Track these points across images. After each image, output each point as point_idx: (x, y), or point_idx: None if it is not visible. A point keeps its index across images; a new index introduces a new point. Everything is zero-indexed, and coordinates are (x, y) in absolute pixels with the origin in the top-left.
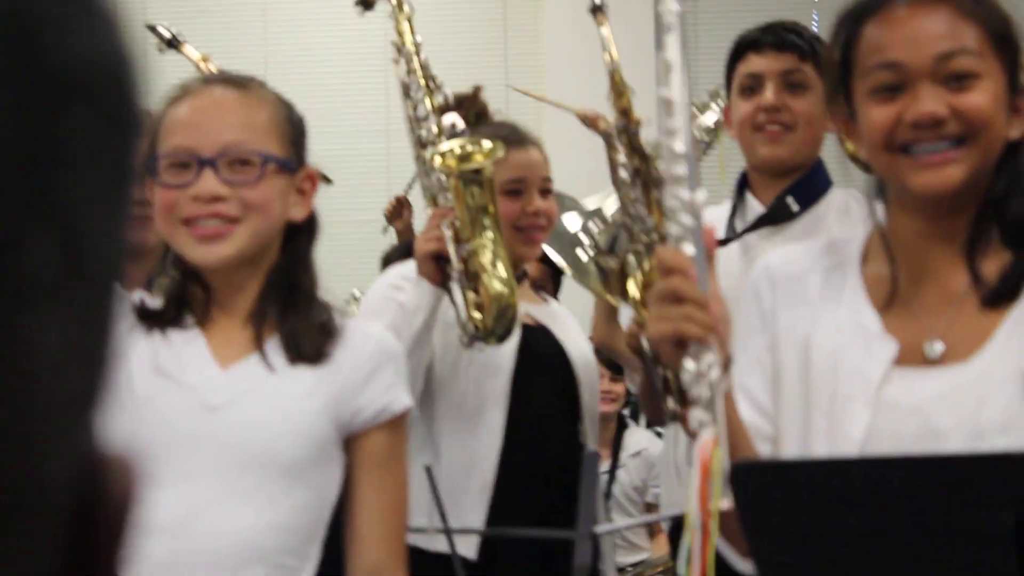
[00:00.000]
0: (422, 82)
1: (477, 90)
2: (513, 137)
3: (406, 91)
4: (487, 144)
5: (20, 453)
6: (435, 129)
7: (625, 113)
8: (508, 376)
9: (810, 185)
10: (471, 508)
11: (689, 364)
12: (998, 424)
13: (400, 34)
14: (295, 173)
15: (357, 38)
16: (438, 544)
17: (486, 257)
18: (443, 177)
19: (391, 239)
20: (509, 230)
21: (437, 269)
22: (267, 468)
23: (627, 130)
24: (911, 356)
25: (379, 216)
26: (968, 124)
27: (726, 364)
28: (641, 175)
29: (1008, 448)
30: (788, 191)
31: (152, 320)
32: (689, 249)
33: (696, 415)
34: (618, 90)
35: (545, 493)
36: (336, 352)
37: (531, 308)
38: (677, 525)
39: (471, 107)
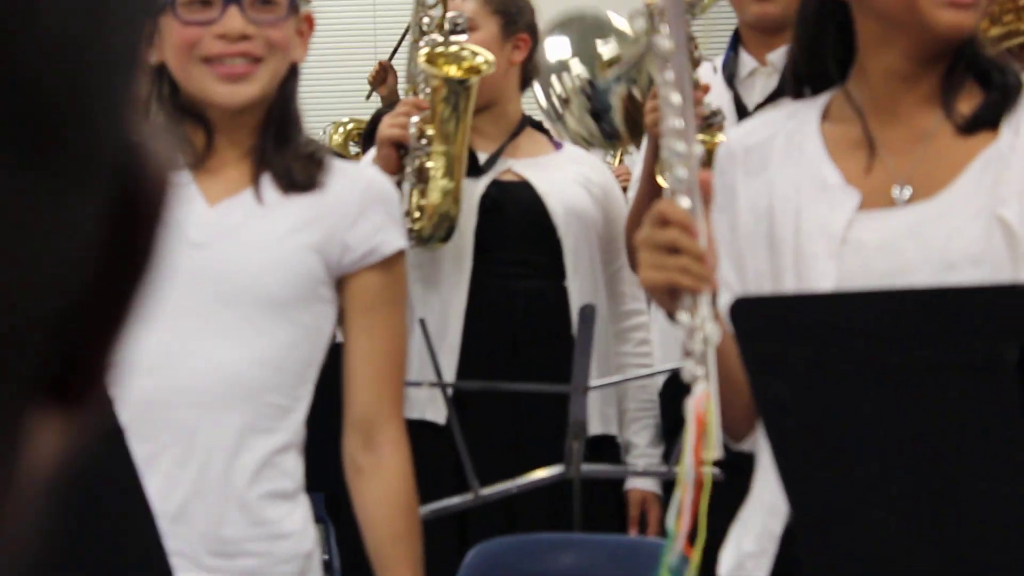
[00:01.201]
0: None
1: None
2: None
3: None
4: (482, 57)
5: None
6: (437, 17)
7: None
8: (470, 235)
9: None
10: (444, 368)
11: (683, 317)
12: (969, 256)
13: None
14: (298, 13)
15: None
16: (412, 411)
17: (440, 164)
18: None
19: (375, 106)
20: None
21: (395, 158)
22: (251, 304)
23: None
24: (877, 201)
25: (364, 85)
26: None
27: (717, 314)
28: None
29: (981, 279)
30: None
31: (185, 161)
32: (685, 202)
33: (690, 368)
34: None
35: (513, 351)
36: (327, 187)
37: (517, 163)
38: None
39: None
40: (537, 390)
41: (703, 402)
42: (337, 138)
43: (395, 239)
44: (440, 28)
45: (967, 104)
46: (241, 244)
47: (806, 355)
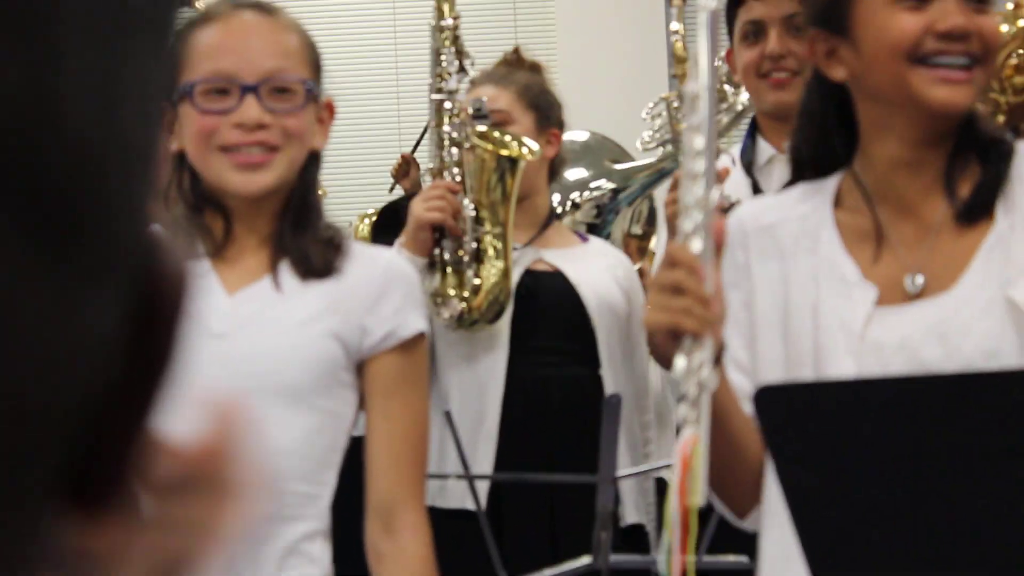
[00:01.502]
0: (454, 54)
1: (517, 51)
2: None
3: (437, 59)
4: (529, 143)
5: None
6: (458, 104)
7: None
8: (506, 328)
9: None
10: (480, 457)
11: (680, 361)
12: (984, 351)
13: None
14: (318, 101)
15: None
16: (449, 500)
17: (493, 244)
18: (455, 151)
19: (397, 197)
20: None
21: (431, 241)
22: (274, 393)
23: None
24: (892, 294)
25: (387, 178)
26: (985, 45)
27: (719, 356)
28: None
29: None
30: None
31: (198, 256)
32: (697, 245)
33: (681, 411)
34: (680, 58)
35: (551, 439)
36: (346, 271)
37: (548, 253)
38: None
39: (519, 67)
40: (564, 481)
41: (690, 445)
42: (363, 228)
43: (414, 322)
44: (463, 113)
45: (969, 187)
46: (260, 333)
47: (831, 443)
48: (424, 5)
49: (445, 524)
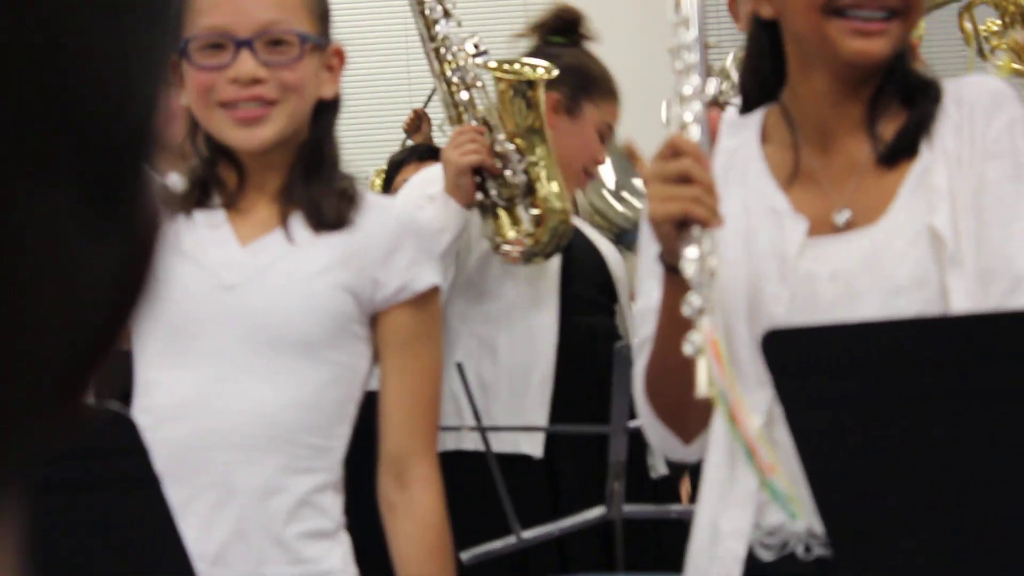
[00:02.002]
0: (439, 8)
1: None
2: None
3: (420, 10)
4: (539, 62)
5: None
6: (456, 48)
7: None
8: (556, 277)
9: None
10: (534, 407)
11: (692, 250)
12: (915, 279)
13: None
14: (324, 49)
15: None
16: (503, 444)
17: (542, 172)
18: (467, 94)
19: None
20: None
21: (473, 185)
22: (284, 346)
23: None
24: (820, 227)
25: (399, 136)
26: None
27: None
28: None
29: (927, 300)
30: None
31: (177, 203)
32: (696, 133)
33: (695, 301)
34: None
35: (602, 387)
36: (358, 224)
37: None
38: None
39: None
40: (576, 431)
41: (714, 332)
42: (379, 184)
43: (428, 275)
44: (460, 56)
45: (892, 128)
46: (272, 285)
47: (841, 385)
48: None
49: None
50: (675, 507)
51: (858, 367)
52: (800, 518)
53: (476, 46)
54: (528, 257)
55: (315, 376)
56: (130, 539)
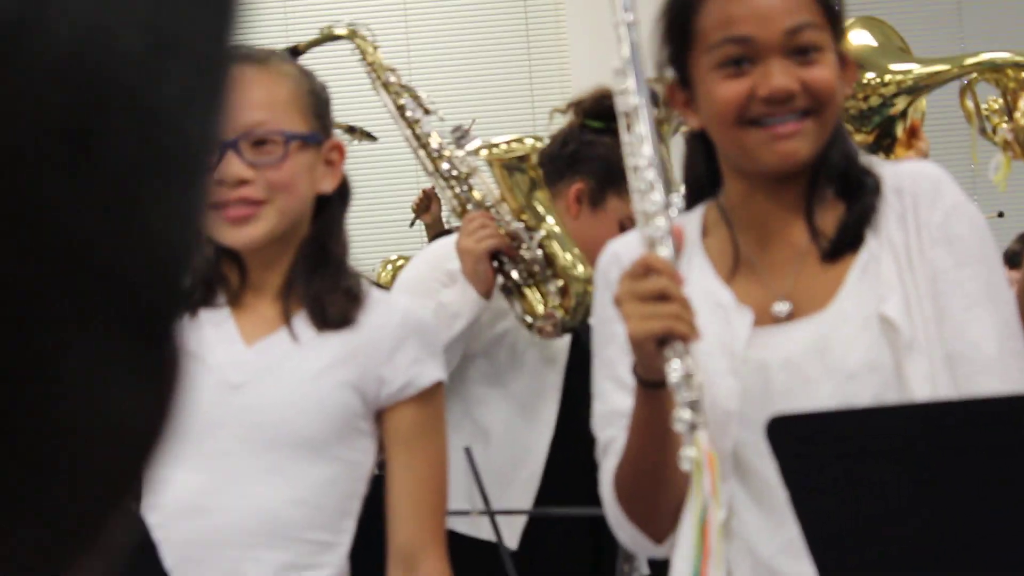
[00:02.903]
0: (413, 102)
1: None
2: None
3: (401, 113)
4: (527, 139)
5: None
6: (442, 142)
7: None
8: (562, 369)
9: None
10: (518, 497)
11: (676, 365)
12: (867, 364)
13: (372, 65)
14: (321, 145)
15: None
16: (482, 531)
17: (555, 243)
18: (468, 184)
19: (418, 233)
20: None
21: (492, 270)
22: (289, 444)
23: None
24: (764, 318)
25: (408, 216)
26: (816, 97)
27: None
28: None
29: (881, 385)
30: None
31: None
32: (666, 251)
33: (685, 416)
34: None
35: (591, 484)
36: (362, 321)
37: None
38: None
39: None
40: (582, 514)
41: (710, 446)
42: (385, 276)
43: (432, 371)
44: (448, 150)
45: (831, 217)
46: (277, 384)
47: (845, 470)
48: (437, 38)
49: (473, 552)
50: None
51: (861, 451)
52: None
53: (460, 134)
54: (562, 329)
55: (320, 474)
56: None
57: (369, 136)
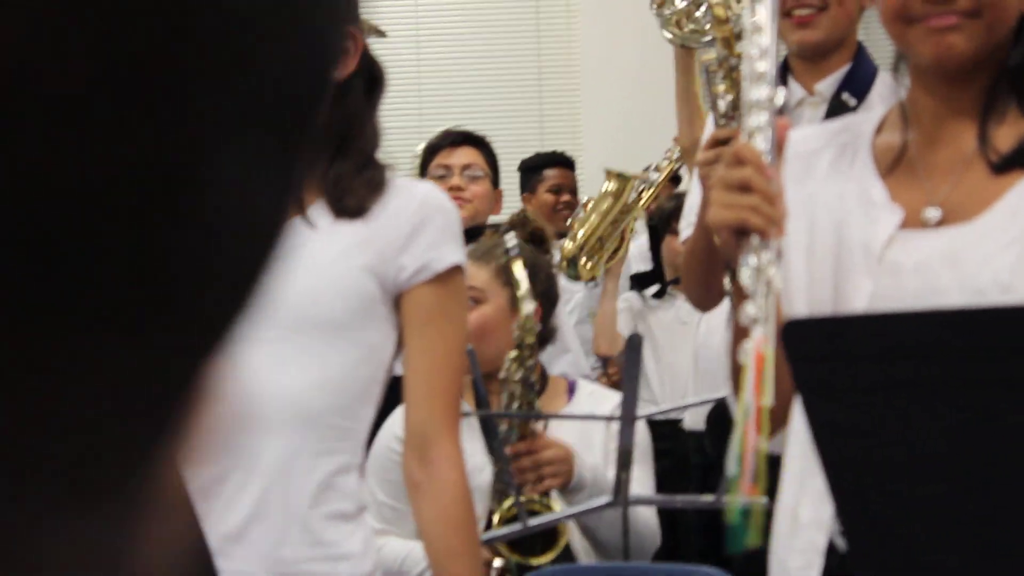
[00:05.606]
0: None
1: (524, 212)
2: None
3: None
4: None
5: None
6: None
7: (727, 43)
8: None
9: (860, 74)
10: None
11: (750, 259)
12: (999, 284)
13: None
14: None
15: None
16: None
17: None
18: None
19: None
20: None
21: None
22: (308, 329)
23: (727, 61)
24: (912, 221)
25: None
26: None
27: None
28: (739, 109)
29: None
30: (841, 87)
31: None
32: (761, 144)
33: (750, 310)
34: (720, 19)
35: None
36: (382, 207)
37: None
38: (714, 416)
39: (522, 228)
40: (583, 418)
41: (762, 344)
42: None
43: (449, 255)
44: None
45: (1010, 132)
46: (295, 268)
47: (860, 376)
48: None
49: None
50: (680, 497)
51: (877, 357)
52: (752, 545)
53: None
54: None
55: (340, 358)
56: None
57: (380, 33)
